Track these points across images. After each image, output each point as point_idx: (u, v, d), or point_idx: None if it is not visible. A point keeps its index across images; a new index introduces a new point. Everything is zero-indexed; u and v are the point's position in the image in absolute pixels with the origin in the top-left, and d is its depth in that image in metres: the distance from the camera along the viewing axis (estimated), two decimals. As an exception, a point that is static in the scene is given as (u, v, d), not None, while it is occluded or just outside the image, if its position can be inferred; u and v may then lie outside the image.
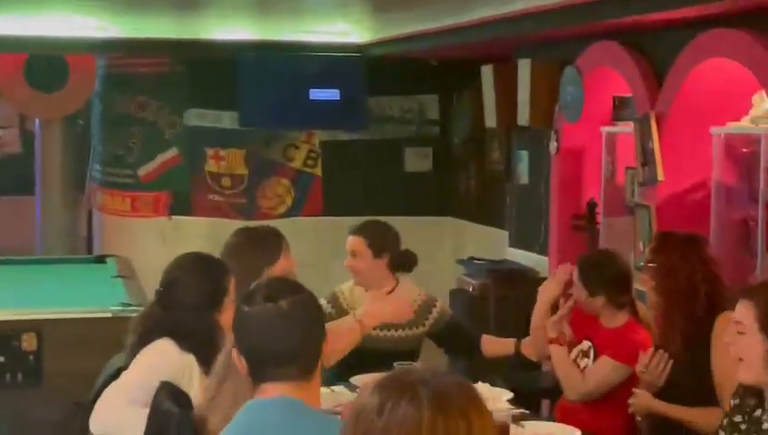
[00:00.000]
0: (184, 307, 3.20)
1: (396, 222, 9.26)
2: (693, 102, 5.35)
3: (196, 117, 9.37)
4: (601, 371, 4.37)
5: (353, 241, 4.72)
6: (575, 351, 4.52)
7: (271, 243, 3.97)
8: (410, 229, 9.35)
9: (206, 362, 2.96)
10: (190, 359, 3.14)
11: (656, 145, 5.43)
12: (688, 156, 5.41)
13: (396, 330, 4.69)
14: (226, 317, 3.07)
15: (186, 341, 3.15)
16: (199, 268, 3.31)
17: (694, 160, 5.37)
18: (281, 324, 2.35)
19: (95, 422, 3.15)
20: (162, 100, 9.32)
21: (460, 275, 7.64)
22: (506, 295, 6.77)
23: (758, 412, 3.23)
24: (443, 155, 9.56)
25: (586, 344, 4.50)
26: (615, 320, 4.45)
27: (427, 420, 1.59)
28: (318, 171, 9.60)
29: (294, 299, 2.39)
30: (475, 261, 7.54)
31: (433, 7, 6.62)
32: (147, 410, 2.96)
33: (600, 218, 6.42)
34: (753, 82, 4.94)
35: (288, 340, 2.34)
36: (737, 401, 3.32)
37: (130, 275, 6.76)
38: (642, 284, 4.17)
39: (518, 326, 6.34)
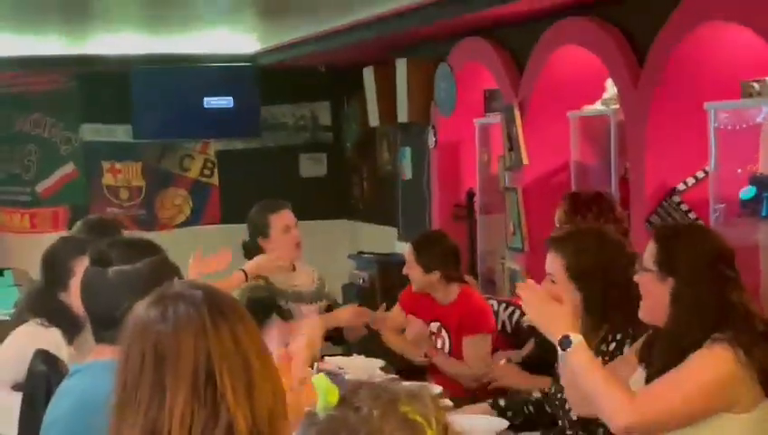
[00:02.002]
0: (41, 285, 3.42)
1: (294, 227, 9.52)
2: (551, 89, 5.67)
3: (91, 132, 9.51)
4: (477, 351, 4.65)
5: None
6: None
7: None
8: (308, 233, 9.67)
9: (68, 335, 3.17)
10: (55, 332, 3.35)
11: (519, 131, 5.75)
12: (550, 139, 5.73)
13: (304, 303, 4.93)
14: (75, 297, 3.26)
15: (46, 316, 3.37)
16: (50, 249, 3.52)
17: (555, 143, 5.70)
18: (103, 290, 2.43)
19: None
20: (56, 116, 9.45)
21: (352, 270, 7.90)
22: (393, 284, 7.03)
23: None
24: (337, 159, 9.83)
25: (435, 325, 4.78)
26: (449, 294, 4.76)
27: (208, 318, 1.79)
28: (215, 180, 9.79)
29: (123, 268, 2.43)
30: (365, 255, 7.82)
31: (315, 11, 6.90)
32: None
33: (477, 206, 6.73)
34: (607, 66, 5.28)
35: (107, 304, 2.39)
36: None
37: (28, 283, 6.87)
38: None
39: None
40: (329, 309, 5.02)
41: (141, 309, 1.83)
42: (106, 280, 2.43)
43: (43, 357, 3.12)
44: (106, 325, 2.44)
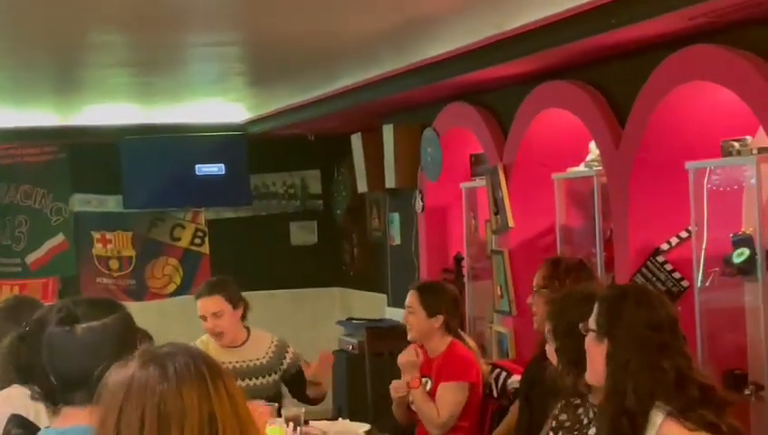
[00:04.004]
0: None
1: (285, 295, 9.54)
2: (536, 151, 5.71)
3: (82, 202, 9.53)
4: (447, 397, 4.64)
5: (212, 302, 4.86)
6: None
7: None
8: (298, 301, 9.70)
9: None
10: (38, 407, 3.29)
11: (504, 194, 5.76)
12: (535, 202, 5.75)
13: (247, 379, 4.86)
14: None
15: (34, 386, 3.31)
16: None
17: (540, 206, 5.71)
18: (72, 349, 2.37)
19: None
20: (47, 187, 9.47)
21: (341, 336, 7.87)
22: (382, 350, 7.01)
23: (580, 411, 3.51)
24: (327, 227, 9.84)
25: (423, 380, 4.77)
26: (440, 346, 4.74)
27: (209, 376, 1.76)
28: (205, 249, 9.78)
29: (91, 325, 2.39)
30: (354, 321, 7.79)
31: (301, 80, 6.96)
32: None
33: (465, 271, 6.72)
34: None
35: (78, 364, 2.35)
36: (563, 401, 3.60)
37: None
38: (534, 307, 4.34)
39: (393, 377, 6.58)
40: (299, 371, 4.96)
41: (133, 369, 1.78)
42: (75, 339, 2.38)
43: (18, 421, 3.06)
44: (78, 386, 2.39)
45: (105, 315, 2.43)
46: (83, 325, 2.40)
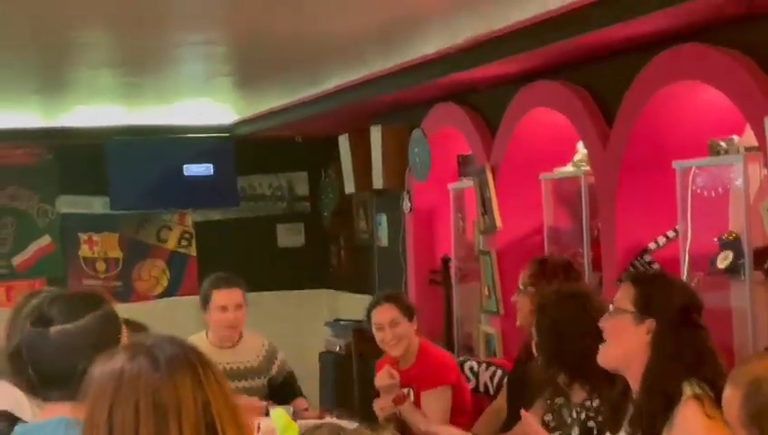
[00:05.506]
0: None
1: (272, 297, 9.52)
2: (523, 152, 5.70)
3: (68, 204, 9.49)
4: (432, 406, 4.59)
5: (237, 294, 4.88)
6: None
7: None
8: (286, 303, 9.68)
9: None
10: (17, 392, 3.31)
11: (492, 194, 5.75)
12: (523, 202, 5.74)
13: (239, 380, 4.83)
14: None
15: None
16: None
17: (528, 206, 5.70)
18: (45, 350, 2.32)
19: None
20: (33, 189, 9.43)
21: (328, 337, 7.85)
22: (369, 351, 6.97)
23: (564, 410, 3.52)
24: (314, 229, 9.83)
25: (405, 390, 4.72)
26: (412, 350, 4.69)
27: (199, 365, 1.75)
28: (192, 251, 9.75)
29: (65, 328, 2.33)
30: (341, 322, 7.78)
31: (289, 80, 6.94)
32: None
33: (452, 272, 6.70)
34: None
35: (52, 364, 2.31)
36: (548, 401, 3.60)
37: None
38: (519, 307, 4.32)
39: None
40: (285, 380, 4.93)
41: (122, 361, 1.75)
42: (49, 341, 2.32)
43: (6, 417, 3.07)
44: (55, 385, 2.35)
45: (81, 315, 2.37)
46: (57, 328, 2.34)
